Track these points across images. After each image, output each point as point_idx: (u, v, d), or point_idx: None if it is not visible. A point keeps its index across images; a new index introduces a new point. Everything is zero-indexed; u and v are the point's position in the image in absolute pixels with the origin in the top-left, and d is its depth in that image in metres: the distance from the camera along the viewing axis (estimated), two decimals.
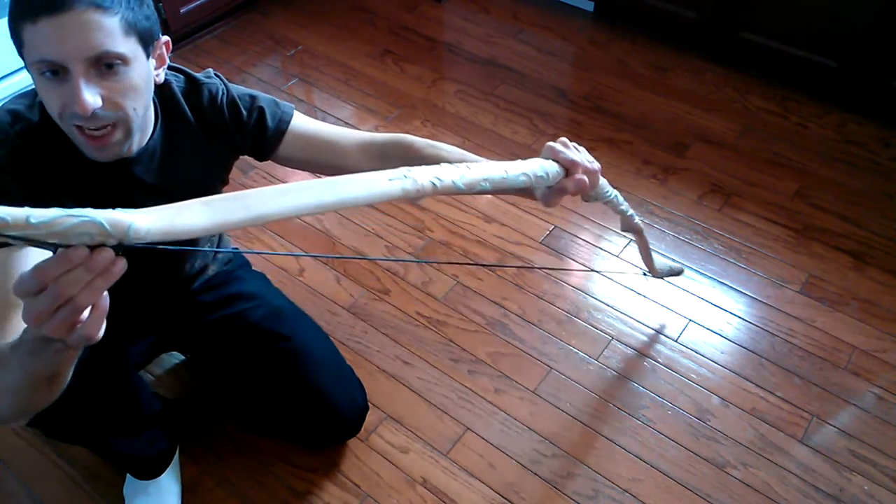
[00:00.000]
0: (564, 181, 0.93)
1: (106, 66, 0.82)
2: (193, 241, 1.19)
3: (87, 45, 0.79)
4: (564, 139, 0.96)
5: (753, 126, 2.17)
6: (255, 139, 1.10)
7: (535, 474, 1.40)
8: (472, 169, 0.80)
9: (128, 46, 0.83)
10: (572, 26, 2.58)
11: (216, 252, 1.33)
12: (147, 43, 0.87)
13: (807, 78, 2.26)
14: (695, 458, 1.42)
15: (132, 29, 0.83)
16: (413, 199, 0.77)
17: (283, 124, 1.09)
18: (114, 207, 0.90)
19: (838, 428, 1.46)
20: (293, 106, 1.12)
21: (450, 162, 1.03)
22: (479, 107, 2.26)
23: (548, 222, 1.89)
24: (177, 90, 1.03)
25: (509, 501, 1.37)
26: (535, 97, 2.29)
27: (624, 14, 2.57)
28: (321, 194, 0.64)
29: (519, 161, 0.89)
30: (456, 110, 2.25)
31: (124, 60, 0.83)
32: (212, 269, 1.33)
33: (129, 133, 0.90)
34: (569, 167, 0.93)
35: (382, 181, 0.70)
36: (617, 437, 1.46)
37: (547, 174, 0.90)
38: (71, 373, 0.80)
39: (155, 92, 0.98)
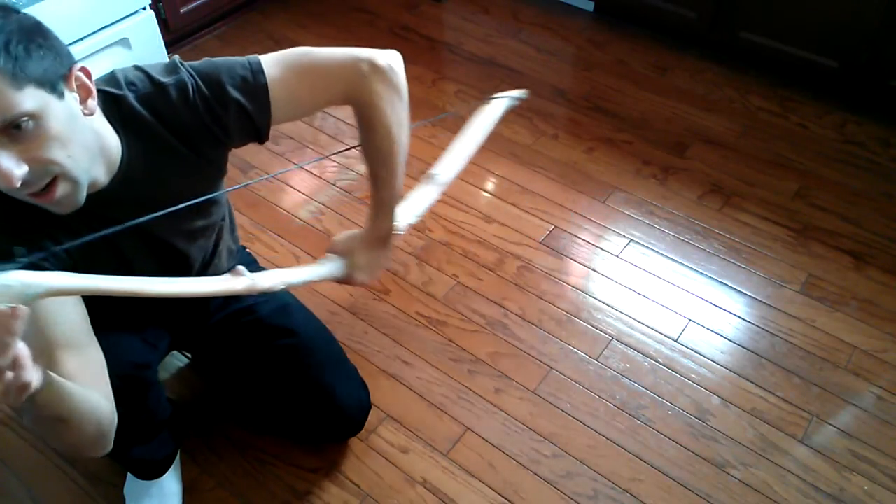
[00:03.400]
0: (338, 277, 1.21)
1: (14, 128, 0.74)
2: (184, 254, 1.15)
3: None
4: (364, 283, 1.28)
5: (753, 126, 2.17)
6: (244, 130, 1.03)
7: (535, 474, 1.40)
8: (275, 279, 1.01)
9: (28, 100, 0.74)
10: (572, 26, 2.58)
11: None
12: (53, 83, 0.78)
13: (807, 78, 2.26)
14: (695, 458, 1.42)
15: (24, 79, 0.74)
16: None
17: (262, 107, 1.01)
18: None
19: (838, 428, 1.46)
20: (260, 65, 1.00)
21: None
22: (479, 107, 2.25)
23: (548, 222, 1.89)
24: (135, 103, 0.94)
25: (509, 501, 1.37)
26: (535, 97, 2.29)
27: (624, 14, 2.57)
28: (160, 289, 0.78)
29: (310, 267, 1.19)
30: (456, 110, 2.24)
31: (31, 116, 0.75)
32: (225, 266, 1.31)
33: (75, 182, 0.83)
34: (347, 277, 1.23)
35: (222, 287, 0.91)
36: (617, 437, 1.46)
37: (324, 277, 1.21)
38: (79, 407, 0.82)
39: (113, 112, 0.92)
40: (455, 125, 2.18)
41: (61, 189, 0.82)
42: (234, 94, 0.98)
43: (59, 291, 0.63)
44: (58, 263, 0.91)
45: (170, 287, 0.81)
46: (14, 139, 0.75)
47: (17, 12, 0.79)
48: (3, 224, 0.89)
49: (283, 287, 1.05)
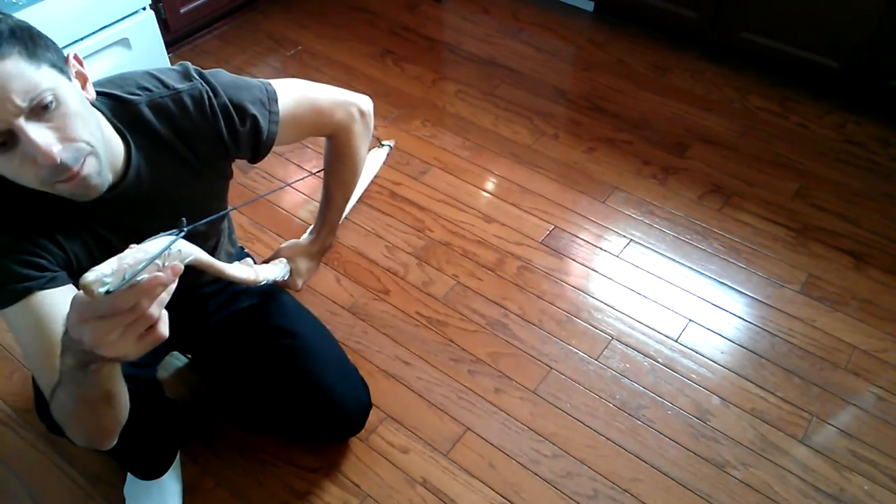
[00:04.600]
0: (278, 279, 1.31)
1: (42, 108, 0.78)
2: (206, 236, 1.20)
3: (12, 99, 0.75)
4: (299, 289, 1.45)
5: (753, 126, 2.17)
6: (252, 147, 1.08)
7: (535, 474, 1.40)
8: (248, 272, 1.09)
9: (46, 78, 0.78)
10: (572, 26, 2.59)
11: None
12: (60, 67, 0.82)
13: (807, 78, 2.26)
14: (695, 458, 1.42)
15: (38, 60, 0.78)
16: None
17: (273, 128, 1.07)
18: (116, 233, 0.96)
19: (838, 428, 1.46)
20: (276, 95, 1.08)
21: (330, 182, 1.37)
22: (479, 107, 2.26)
23: (548, 222, 1.89)
24: (144, 108, 0.96)
25: (509, 501, 1.37)
26: (535, 97, 2.29)
27: (624, 14, 2.57)
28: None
29: (274, 266, 1.32)
30: (456, 110, 2.25)
31: (53, 92, 0.78)
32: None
33: (99, 158, 0.85)
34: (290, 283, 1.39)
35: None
36: (617, 437, 1.46)
37: (282, 277, 1.35)
38: (123, 386, 0.82)
39: (119, 115, 0.94)
40: (454, 126, 2.18)
41: (90, 164, 0.84)
42: (253, 110, 1.04)
43: (199, 262, 0.72)
44: (55, 261, 0.91)
45: (229, 269, 0.91)
46: (43, 118, 0.78)
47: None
48: (5, 224, 0.89)
49: (268, 281, 1.22)
